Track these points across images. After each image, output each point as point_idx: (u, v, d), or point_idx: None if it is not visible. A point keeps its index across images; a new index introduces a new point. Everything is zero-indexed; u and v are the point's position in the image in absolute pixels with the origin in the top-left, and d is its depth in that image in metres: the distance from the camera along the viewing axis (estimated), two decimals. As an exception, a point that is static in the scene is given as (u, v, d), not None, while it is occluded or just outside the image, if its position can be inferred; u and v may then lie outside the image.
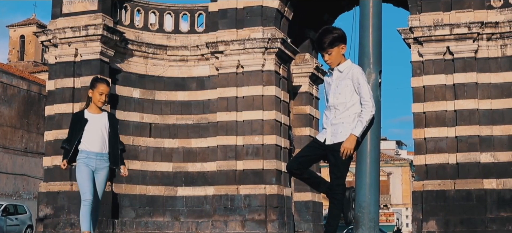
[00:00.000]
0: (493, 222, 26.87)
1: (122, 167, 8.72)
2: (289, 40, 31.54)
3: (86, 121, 8.55)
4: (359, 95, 6.55)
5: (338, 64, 6.76)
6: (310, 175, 6.94)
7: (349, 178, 6.73)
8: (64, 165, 8.58)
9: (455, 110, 27.69)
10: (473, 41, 27.72)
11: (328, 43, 6.71)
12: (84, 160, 8.44)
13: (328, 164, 6.81)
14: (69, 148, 8.51)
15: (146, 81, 32.08)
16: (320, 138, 6.80)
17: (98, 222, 28.99)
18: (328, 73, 6.90)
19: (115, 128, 8.75)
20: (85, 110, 8.64)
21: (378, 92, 6.60)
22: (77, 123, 8.58)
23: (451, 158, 27.55)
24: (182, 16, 33.38)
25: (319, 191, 7.05)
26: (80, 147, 8.47)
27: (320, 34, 6.79)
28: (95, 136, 8.50)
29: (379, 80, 6.62)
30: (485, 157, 27.37)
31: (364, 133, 6.51)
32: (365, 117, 6.46)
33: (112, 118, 8.79)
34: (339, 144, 6.57)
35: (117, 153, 8.66)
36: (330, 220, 6.76)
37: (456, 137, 27.58)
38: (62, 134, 29.93)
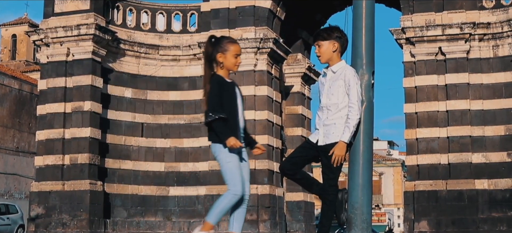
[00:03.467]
0: (485, 222, 26.93)
1: (260, 144, 6.99)
2: (281, 40, 31.53)
3: (233, 87, 6.70)
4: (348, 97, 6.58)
5: (327, 61, 6.81)
6: (302, 175, 6.94)
7: (341, 178, 6.71)
8: (237, 144, 6.51)
9: (447, 111, 27.73)
10: (465, 42, 27.77)
11: (321, 36, 6.77)
12: None
13: (320, 164, 6.83)
14: (226, 117, 6.52)
15: (138, 81, 32.03)
16: (313, 138, 6.81)
17: (91, 222, 29.02)
18: (323, 74, 6.92)
19: (242, 98, 6.91)
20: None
21: (371, 93, 6.60)
22: (228, 90, 6.66)
23: (443, 158, 27.59)
24: (174, 16, 33.34)
25: (312, 192, 7.05)
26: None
27: (320, 29, 6.90)
28: (239, 108, 6.76)
29: (372, 81, 6.63)
30: (477, 158, 27.42)
31: (352, 137, 6.54)
32: (352, 122, 6.48)
33: (239, 87, 6.91)
34: (331, 145, 6.58)
35: (246, 127, 7.01)
36: (323, 220, 6.77)
37: (448, 137, 27.63)
38: (54, 133, 29.89)
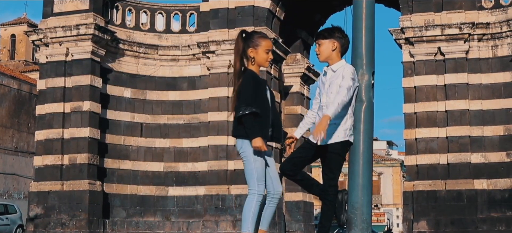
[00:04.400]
0: (484, 222, 26.92)
1: (289, 134, 6.93)
2: (280, 41, 31.53)
3: (265, 85, 6.59)
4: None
5: (326, 59, 6.83)
6: (303, 176, 6.93)
7: (341, 178, 6.71)
8: (263, 148, 6.32)
9: (446, 111, 27.73)
10: (464, 42, 27.77)
11: (322, 35, 6.80)
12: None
13: (320, 164, 6.84)
14: (258, 112, 6.30)
15: (137, 81, 32.02)
16: (313, 139, 6.80)
17: (90, 222, 29.00)
18: (323, 73, 6.93)
19: (273, 95, 6.72)
20: None
21: (371, 93, 6.60)
22: (262, 86, 6.52)
23: (442, 158, 27.59)
24: (173, 16, 33.32)
25: (312, 193, 7.05)
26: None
27: (323, 28, 6.95)
28: (268, 105, 6.54)
29: (372, 81, 6.63)
30: (476, 158, 27.42)
31: (348, 133, 6.60)
32: (338, 98, 6.42)
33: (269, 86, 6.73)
34: (331, 145, 6.59)
35: (281, 124, 6.77)
36: (323, 221, 6.77)
37: (447, 137, 27.62)
38: (53, 133, 29.89)
